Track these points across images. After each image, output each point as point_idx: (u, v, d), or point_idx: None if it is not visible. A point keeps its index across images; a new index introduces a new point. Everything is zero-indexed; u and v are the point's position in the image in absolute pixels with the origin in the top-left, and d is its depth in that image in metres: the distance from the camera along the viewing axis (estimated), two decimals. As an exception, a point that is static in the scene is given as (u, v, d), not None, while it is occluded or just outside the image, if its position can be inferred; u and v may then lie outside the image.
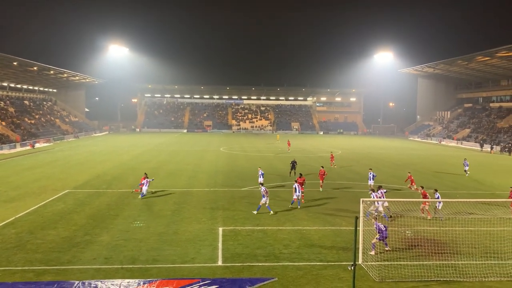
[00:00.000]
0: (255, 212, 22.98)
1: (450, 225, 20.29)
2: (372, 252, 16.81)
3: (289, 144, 62.63)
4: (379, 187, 23.93)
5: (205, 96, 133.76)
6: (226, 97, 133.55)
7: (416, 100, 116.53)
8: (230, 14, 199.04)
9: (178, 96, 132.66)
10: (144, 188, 26.71)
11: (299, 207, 24.39)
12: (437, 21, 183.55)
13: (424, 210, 22.24)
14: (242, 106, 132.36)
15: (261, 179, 29.66)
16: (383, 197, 22.72)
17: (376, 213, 20.83)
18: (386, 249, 17.31)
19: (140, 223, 21.00)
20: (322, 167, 31.49)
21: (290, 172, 36.82)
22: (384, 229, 17.01)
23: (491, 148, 69.15)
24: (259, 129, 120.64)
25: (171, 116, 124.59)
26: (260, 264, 15.61)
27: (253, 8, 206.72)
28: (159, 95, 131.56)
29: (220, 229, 19.96)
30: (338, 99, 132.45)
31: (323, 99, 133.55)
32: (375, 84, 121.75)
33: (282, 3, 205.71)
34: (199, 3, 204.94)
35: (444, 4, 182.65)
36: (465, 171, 39.03)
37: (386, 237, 17.09)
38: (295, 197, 24.32)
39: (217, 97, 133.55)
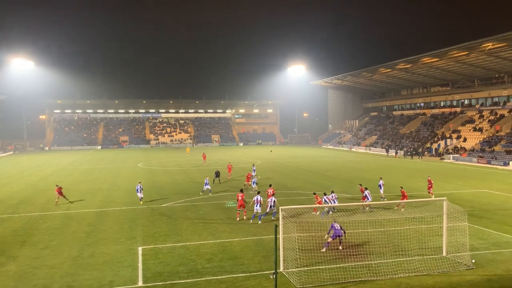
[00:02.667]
0: (250, 221, 23.62)
1: (362, 227, 21.56)
2: (324, 249, 18.42)
3: (204, 157, 62.12)
4: (332, 192, 26.18)
5: (120, 111, 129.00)
6: (143, 111, 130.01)
7: (327, 110, 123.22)
8: (145, 26, 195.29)
9: (91, 111, 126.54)
10: (139, 194, 30.01)
11: (259, 222, 23.60)
12: (346, 36, 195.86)
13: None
14: (160, 119, 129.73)
15: (206, 186, 33.19)
16: (335, 201, 25.16)
17: (330, 212, 24.49)
18: (339, 248, 18.52)
19: (232, 203, 23.33)
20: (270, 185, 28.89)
21: (214, 180, 39.09)
22: (339, 228, 18.33)
23: (396, 153, 74.93)
24: (178, 142, 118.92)
25: (84, 132, 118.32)
26: (182, 281, 15.35)
27: (169, 20, 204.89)
28: (70, 111, 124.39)
29: (140, 248, 19.32)
30: (256, 110, 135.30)
31: (242, 111, 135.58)
32: (290, 96, 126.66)
33: (198, 16, 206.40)
34: (109, 13, 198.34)
35: (351, 18, 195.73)
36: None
37: (340, 236, 18.39)
38: (255, 210, 23.59)
39: (133, 111, 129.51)
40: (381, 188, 30.22)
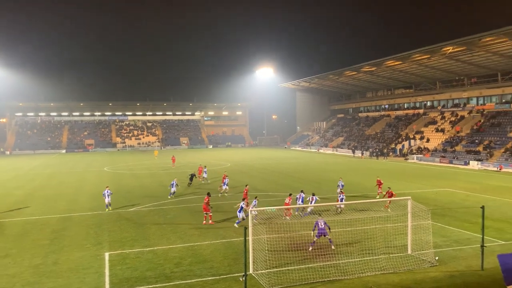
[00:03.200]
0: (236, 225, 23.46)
1: (331, 226, 21.77)
2: (310, 248, 18.50)
3: (173, 160, 61.58)
4: (301, 191, 26.91)
5: (85, 113, 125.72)
6: (109, 113, 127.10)
7: (296, 112, 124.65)
8: (111, 26, 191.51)
9: (55, 114, 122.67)
10: (107, 200, 28.46)
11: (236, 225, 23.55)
12: (313, 39, 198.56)
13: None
14: (127, 122, 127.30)
15: (173, 189, 32.94)
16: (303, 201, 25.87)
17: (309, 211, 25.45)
18: (332, 247, 18.66)
19: (273, 209, 22.93)
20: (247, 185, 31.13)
21: (189, 184, 39.12)
22: (323, 226, 18.52)
23: (362, 153, 76.50)
24: (146, 145, 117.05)
25: (47, 136, 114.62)
26: (150, 286, 15.11)
27: (137, 21, 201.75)
28: (33, 114, 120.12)
29: (107, 254, 18.88)
30: (225, 113, 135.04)
31: (211, 113, 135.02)
32: (259, 98, 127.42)
33: (166, 17, 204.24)
34: (73, 12, 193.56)
35: (318, 21, 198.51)
36: None
37: (325, 234, 18.57)
38: (240, 216, 23.62)
39: (99, 113, 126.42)
40: (338, 187, 31.81)
